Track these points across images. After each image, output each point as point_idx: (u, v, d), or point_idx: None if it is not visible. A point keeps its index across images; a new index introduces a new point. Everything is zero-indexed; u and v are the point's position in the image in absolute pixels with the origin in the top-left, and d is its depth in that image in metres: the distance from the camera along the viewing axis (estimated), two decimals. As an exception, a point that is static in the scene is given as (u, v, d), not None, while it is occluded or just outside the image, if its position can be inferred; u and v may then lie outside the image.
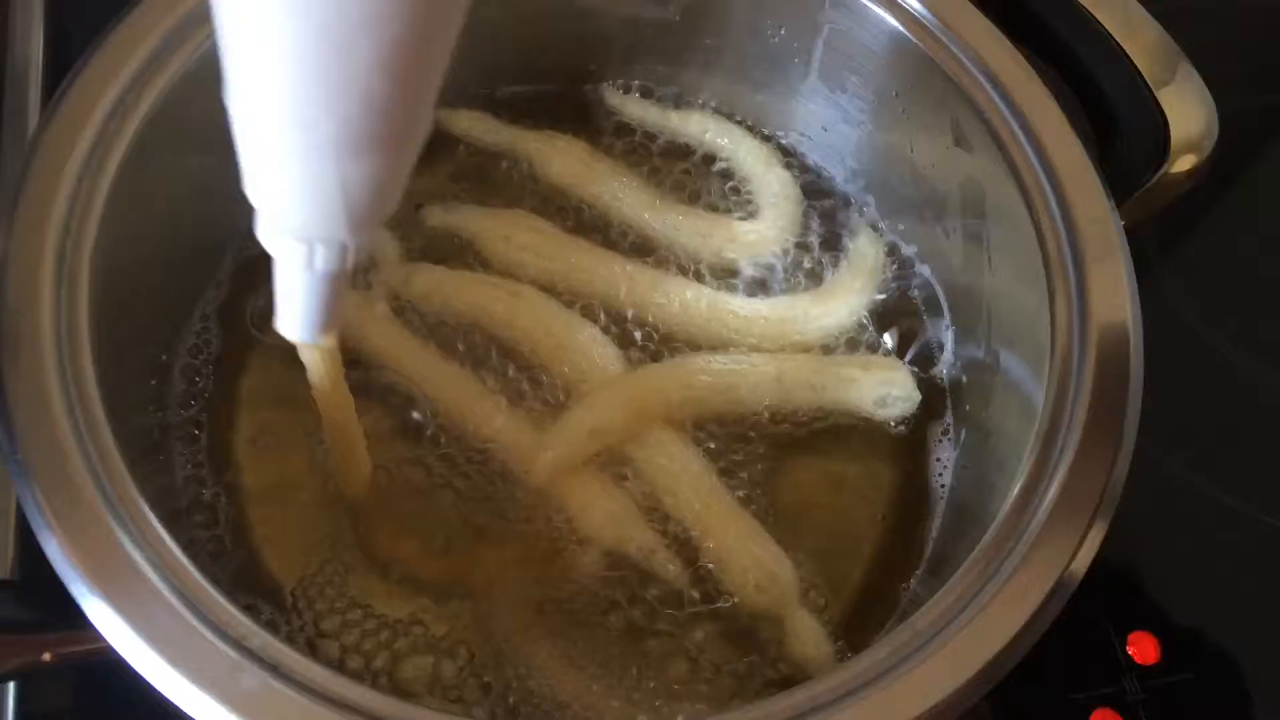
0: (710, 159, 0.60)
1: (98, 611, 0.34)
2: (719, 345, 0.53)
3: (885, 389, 0.52)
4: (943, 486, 0.52)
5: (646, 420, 0.50)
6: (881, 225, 0.58)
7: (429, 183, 0.57)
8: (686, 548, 0.48)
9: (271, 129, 0.32)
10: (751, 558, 0.47)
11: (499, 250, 0.54)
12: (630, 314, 0.53)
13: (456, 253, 0.55)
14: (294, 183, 0.33)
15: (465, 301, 0.52)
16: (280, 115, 0.31)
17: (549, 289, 0.53)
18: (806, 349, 0.53)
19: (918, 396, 0.53)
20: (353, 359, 0.50)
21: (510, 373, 0.52)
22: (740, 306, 0.54)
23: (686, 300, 0.53)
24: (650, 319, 0.53)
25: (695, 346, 0.53)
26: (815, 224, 0.58)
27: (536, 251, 0.54)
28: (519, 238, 0.54)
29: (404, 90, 0.31)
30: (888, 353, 0.54)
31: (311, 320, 0.38)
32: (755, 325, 0.53)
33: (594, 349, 0.51)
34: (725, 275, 0.56)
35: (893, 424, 0.52)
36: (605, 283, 0.54)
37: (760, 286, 0.56)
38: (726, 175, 0.59)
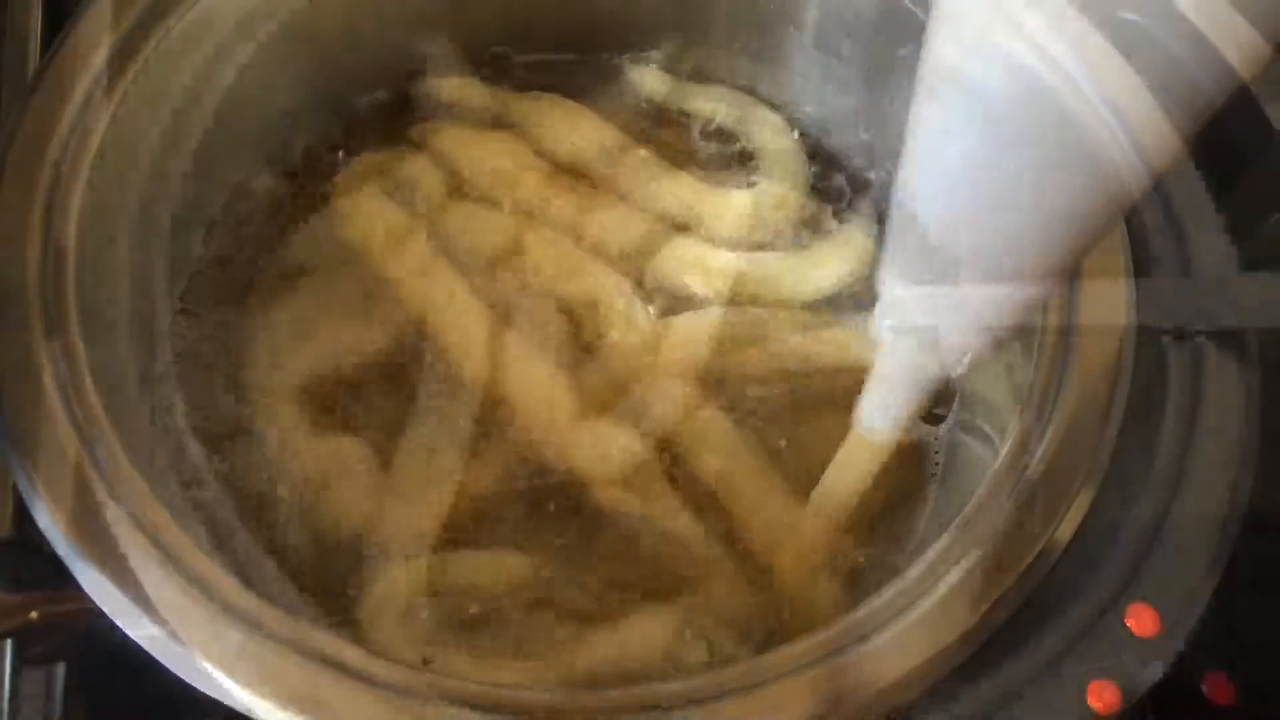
0: (723, 133, 0.59)
1: (83, 571, 0.35)
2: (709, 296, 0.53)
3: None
4: (938, 463, 0.51)
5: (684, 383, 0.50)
6: (881, 187, 0.57)
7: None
8: (704, 503, 0.48)
9: (984, 247, 0.32)
10: (774, 516, 0.47)
11: (481, 181, 0.55)
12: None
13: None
14: (969, 293, 0.33)
15: (498, 241, 0.53)
16: (1002, 236, 0.31)
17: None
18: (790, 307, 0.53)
19: None
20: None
21: (537, 317, 0.52)
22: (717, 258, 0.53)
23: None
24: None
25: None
26: (817, 192, 0.57)
27: (517, 184, 0.54)
28: (501, 168, 0.55)
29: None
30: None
31: (898, 413, 0.42)
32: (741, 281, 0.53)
33: (620, 298, 0.51)
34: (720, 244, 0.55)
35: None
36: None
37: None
38: (735, 145, 0.59)
